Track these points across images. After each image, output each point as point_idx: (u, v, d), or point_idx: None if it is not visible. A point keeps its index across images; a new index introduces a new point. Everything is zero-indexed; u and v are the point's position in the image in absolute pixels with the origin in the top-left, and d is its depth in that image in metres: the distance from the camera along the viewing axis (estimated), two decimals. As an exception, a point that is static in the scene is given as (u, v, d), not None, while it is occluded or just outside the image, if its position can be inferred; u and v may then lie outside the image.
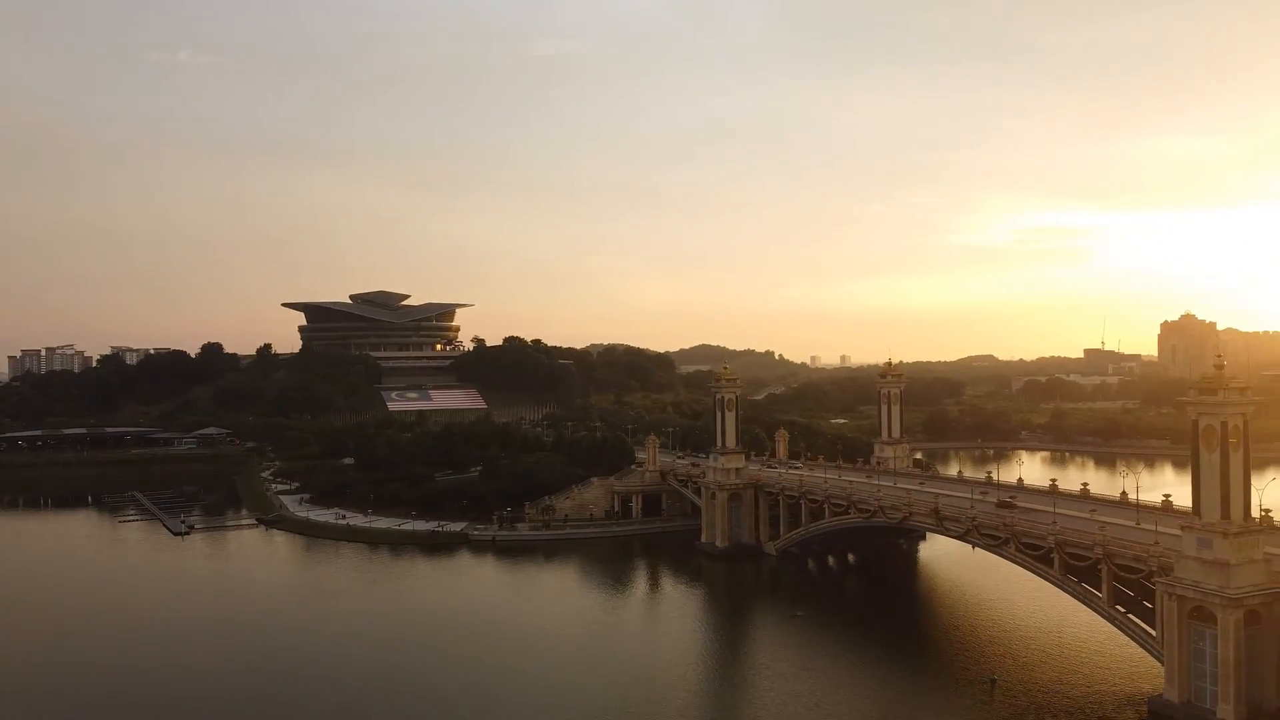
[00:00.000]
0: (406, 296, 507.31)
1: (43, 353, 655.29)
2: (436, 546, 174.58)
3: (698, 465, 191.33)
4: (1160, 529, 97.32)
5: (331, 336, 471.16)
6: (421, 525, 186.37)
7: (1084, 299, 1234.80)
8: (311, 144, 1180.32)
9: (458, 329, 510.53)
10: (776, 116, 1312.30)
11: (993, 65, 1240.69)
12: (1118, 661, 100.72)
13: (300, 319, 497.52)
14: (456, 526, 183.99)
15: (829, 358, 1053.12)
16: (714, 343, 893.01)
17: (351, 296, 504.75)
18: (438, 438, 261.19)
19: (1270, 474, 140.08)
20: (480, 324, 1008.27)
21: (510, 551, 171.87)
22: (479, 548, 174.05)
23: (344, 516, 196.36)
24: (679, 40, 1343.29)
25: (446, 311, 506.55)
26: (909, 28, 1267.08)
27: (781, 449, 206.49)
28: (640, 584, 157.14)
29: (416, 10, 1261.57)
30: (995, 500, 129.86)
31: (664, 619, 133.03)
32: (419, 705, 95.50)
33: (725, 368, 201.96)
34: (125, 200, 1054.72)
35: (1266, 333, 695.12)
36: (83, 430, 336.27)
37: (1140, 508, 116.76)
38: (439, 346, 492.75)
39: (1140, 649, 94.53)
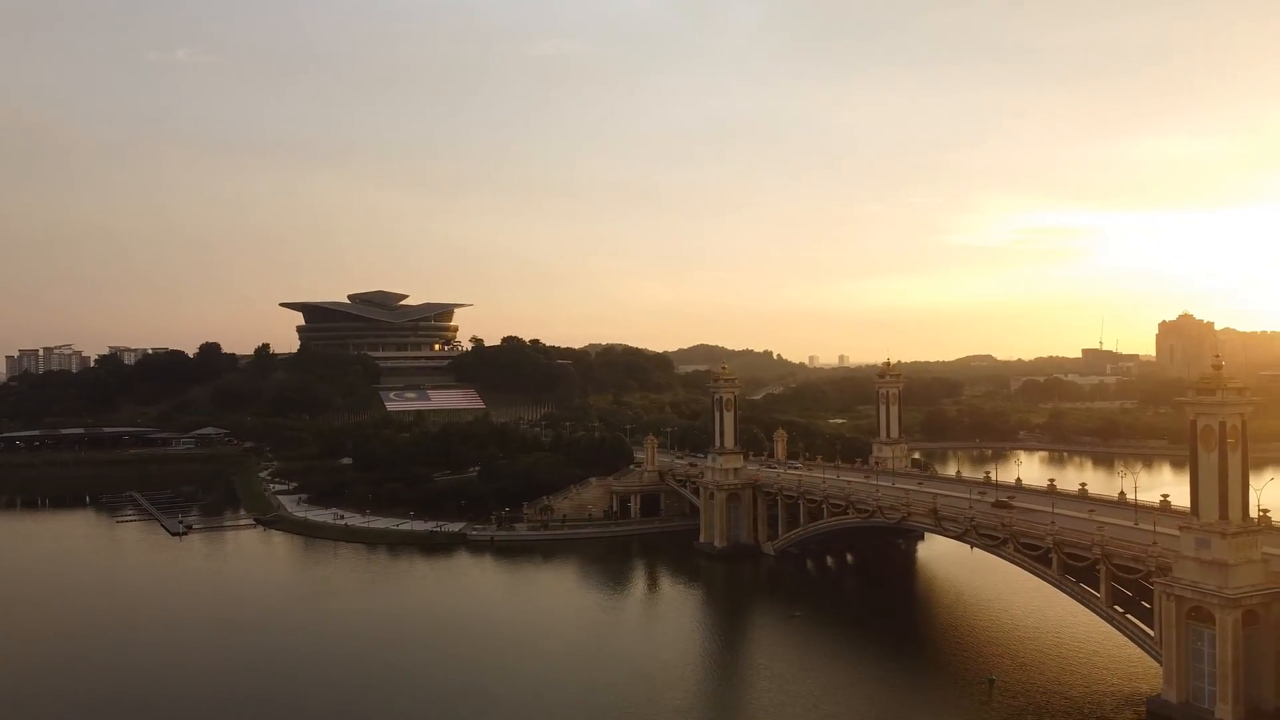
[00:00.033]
0: (405, 296, 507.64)
1: (40, 352, 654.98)
2: (435, 547, 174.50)
3: (695, 465, 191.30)
4: (1158, 529, 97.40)
5: (330, 336, 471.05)
6: (420, 525, 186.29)
7: (1082, 299, 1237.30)
8: (310, 144, 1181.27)
9: (456, 329, 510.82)
10: (775, 116, 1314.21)
11: (992, 65, 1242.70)
12: (1116, 662, 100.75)
13: (298, 319, 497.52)
14: (455, 527, 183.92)
15: (827, 357, 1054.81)
16: (712, 343, 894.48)
17: (350, 296, 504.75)
18: (436, 438, 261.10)
19: (1268, 474, 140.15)
20: (478, 324, 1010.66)
21: (508, 552, 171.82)
22: (477, 548, 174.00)
23: (342, 517, 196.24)
24: (678, 40, 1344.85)
25: (445, 311, 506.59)
26: (908, 28, 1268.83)
27: (780, 449, 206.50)
28: (638, 584, 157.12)
29: (415, 10, 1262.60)
30: (992, 500, 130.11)
31: (662, 619, 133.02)
32: (417, 705, 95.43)
33: (724, 368, 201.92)
34: (124, 200, 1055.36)
35: (1264, 333, 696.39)
36: (80, 430, 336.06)
37: (1138, 508, 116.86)
38: (437, 346, 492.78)
39: (1138, 649, 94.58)
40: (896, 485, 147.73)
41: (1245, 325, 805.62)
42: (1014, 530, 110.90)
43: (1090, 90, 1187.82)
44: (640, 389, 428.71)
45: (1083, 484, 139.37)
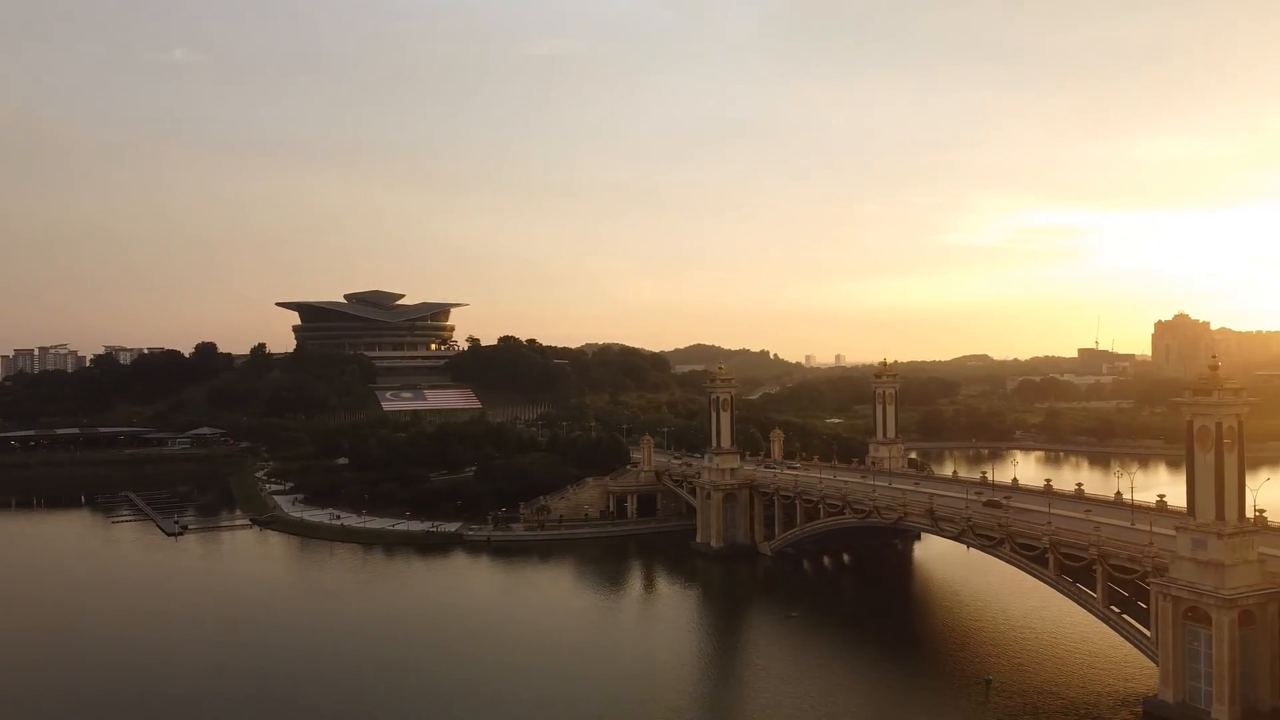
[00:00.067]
0: (401, 296, 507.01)
1: (36, 352, 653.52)
2: (431, 547, 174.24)
3: (690, 465, 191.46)
4: (1155, 529, 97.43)
5: (326, 336, 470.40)
6: (416, 526, 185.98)
7: (1079, 299, 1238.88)
8: (307, 144, 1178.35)
9: (452, 328, 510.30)
10: (773, 116, 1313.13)
11: (990, 65, 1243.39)
12: (1112, 662, 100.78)
13: (294, 318, 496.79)
14: (451, 527, 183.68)
15: (824, 357, 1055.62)
16: (709, 342, 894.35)
17: (346, 296, 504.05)
18: (432, 438, 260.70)
19: (1264, 474, 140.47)
20: (475, 323, 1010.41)
21: (505, 552, 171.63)
22: (473, 548, 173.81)
23: (338, 517, 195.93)
24: (675, 40, 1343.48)
25: (441, 311, 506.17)
26: (907, 28, 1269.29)
27: (777, 449, 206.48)
28: (635, 584, 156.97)
29: (410, 9, 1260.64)
30: (984, 499, 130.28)
31: (659, 619, 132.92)
32: (413, 706, 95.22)
33: (720, 368, 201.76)
34: (120, 200, 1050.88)
35: (1260, 332, 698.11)
36: (76, 430, 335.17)
37: (1135, 508, 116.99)
38: (434, 346, 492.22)
39: (1135, 649, 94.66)
40: (893, 485, 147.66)
41: (1241, 325, 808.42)
42: (1010, 530, 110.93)
43: (1088, 90, 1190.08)
44: (637, 389, 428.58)
45: (1079, 484, 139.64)
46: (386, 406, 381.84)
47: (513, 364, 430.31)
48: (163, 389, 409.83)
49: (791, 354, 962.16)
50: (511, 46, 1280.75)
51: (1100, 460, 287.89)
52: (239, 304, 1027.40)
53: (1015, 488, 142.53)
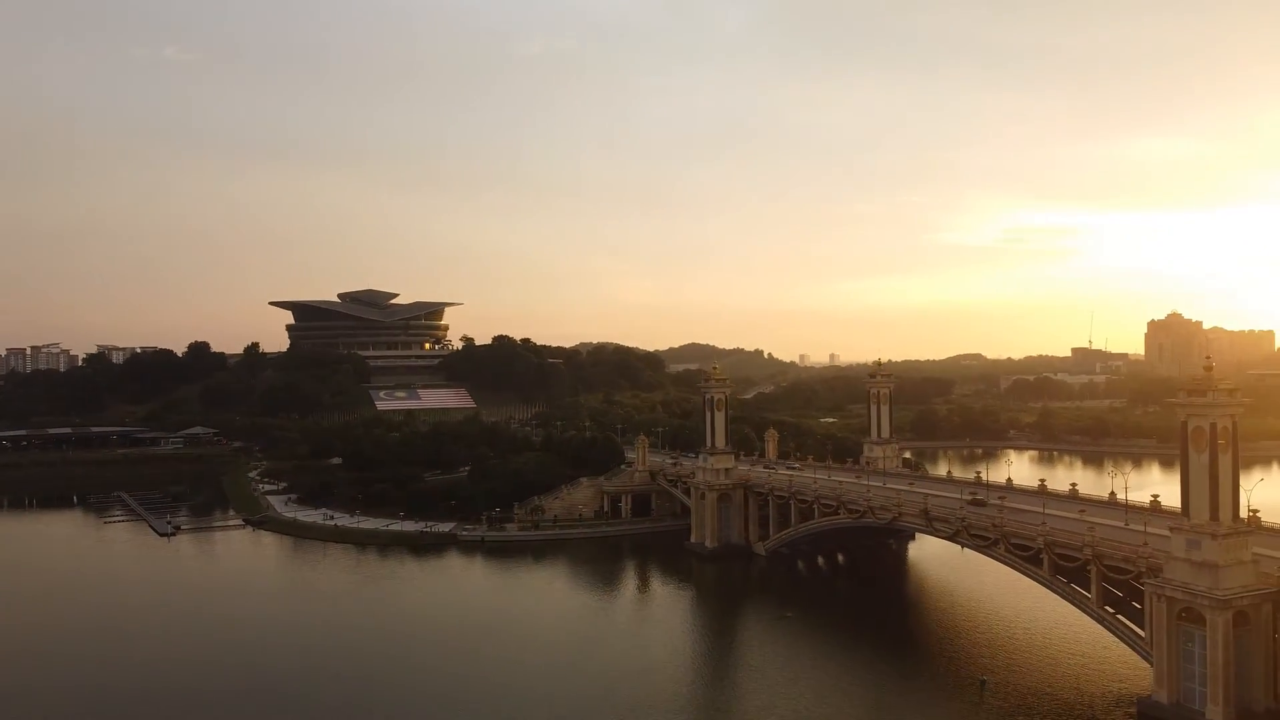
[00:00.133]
0: (395, 295, 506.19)
1: (28, 351, 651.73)
2: (424, 547, 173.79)
3: (682, 465, 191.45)
4: (1149, 530, 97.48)
5: (319, 335, 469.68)
6: (409, 526, 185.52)
7: (1072, 298, 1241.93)
8: (302, 143, 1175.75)
9: (446, 328, 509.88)
10: (769, 116, 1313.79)
11: (985, 66, 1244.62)
12: (1107, 663, 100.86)
13: (288, 317, 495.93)
14: (445, 527, 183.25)
15: (818, 356, 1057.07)
16: (703, 341, 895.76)
17: (340, 295, 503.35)
18: (426, 437, 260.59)
19: (1257, 474, 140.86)
20: (469, 323, 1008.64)
21: (499, 552, 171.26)
22: (467, 548, 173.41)
23: (331, 517, 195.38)
24: (673, 40, 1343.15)
25: (435, 310, 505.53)
26: (904, 28, 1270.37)
27: (771, 449, 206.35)
28: (629, 585, 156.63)
29: (407, 9, 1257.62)
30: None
31: (653, 620, 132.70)
32: (410, 705, 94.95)
33: (715, 367, 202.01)
34: (114, 198, 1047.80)
35: (1252, 331, 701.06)
36: (68, 430, 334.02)
37: (1129, 508, 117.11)
38: (427, 345, 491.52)
39: (1129, 650, 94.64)
40: (888, 485, 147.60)
41: (1234, 324, 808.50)
42: (1005, 531, 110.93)
43: (1084, 91, 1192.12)
44: (631, 388, 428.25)
45: (1073, 484, 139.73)
46: (380, 406, 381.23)
47: (507, 363, 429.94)
48: (155, 388, 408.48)
49: (786, 353, 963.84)
50: (507, 46, 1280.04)
51: (1094, 460, 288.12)
52: (232, 303, 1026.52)
53: (1010, 488, 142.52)
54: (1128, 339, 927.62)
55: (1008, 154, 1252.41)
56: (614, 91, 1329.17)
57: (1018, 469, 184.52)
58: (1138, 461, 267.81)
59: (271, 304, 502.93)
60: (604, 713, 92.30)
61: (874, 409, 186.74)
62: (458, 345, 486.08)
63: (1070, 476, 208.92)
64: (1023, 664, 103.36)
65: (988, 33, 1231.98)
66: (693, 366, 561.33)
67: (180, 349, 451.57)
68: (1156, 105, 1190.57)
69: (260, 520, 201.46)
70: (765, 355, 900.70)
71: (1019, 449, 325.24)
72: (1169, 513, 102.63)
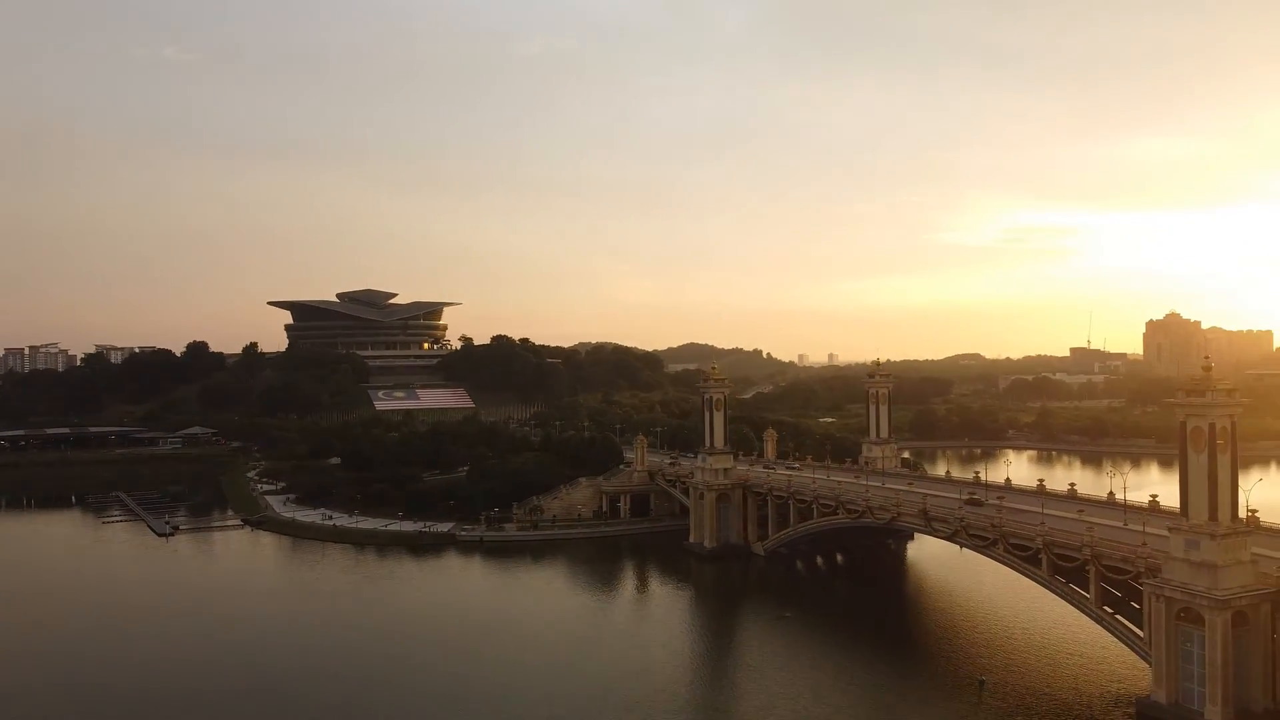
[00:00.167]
0: (394, 295, 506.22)
1: (26, 351, 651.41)
2: (423, 547, 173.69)
3: (677, 464, 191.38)
4: (1148, 530, 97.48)
5: (318, 335, 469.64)
6: (408, 526, 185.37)
7: (1071, 298, 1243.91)
8: (302, 143, 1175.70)
9: (445, 328, 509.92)
10: (769, 116, 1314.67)
11: (984, 66, 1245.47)
12: (1105, 663, 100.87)
13: (286, 317, 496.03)
14: (443, 527, 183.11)
15: (817, 356, 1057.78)
16: (702, 341, 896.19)
17: (338, 295, 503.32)
18: (425, 437, 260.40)
19: (1255, 474, 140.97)
20: (468, 323, 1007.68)
21: (497, 552, 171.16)
22: (466, 548, 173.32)
23: (330, 517, 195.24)
24: (673, 40, 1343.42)
25: (434, 310, 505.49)
26: (903, 29, 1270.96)
27: (770, 449, 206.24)
28: (628, 585, 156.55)
29: (403, 9, 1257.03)
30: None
31: (652, 620, 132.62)
32: (407, 705, 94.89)
33: (714, 367, 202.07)
34: (112, 198, 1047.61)
35: (1251, 331, 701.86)
36: (66, 430, 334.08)
37: (1127, 508, 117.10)
38: (426, 345, 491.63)
39: (1128, 650, 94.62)
40: (886, 485, 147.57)
41: (1232, 324, 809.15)
42: (1004, 531, 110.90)
43: (1084, 91, 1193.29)
44: (630, 388, 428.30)
45: (1072, 484, 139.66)
46: (379, 406, 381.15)
47: (506, 363, 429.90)
48: (154, 388, 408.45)
49: (785, 353, 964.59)
50: (507, 46, 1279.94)
51: (1092, 459, 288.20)
52: (231, 303, 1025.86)
53: (1008, 488, 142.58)
54: (1126, 339, 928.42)
55: (1008, 154, 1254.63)
56: (614, 91, 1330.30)
57: (1016, 469, 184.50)
58: (1136, 461, 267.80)
59: (270, 304, 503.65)
60: (603, 713, 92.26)
61: (872, 409, 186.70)
62: (456, 345, 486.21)
63: (1069, 476, 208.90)
64: (1021, 664, 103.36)
65: (988, 33, 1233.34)
66: (691, 366, 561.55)
67: (179, 349, 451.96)
68: (1156, 105, 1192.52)
69: (259, 520, 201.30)
70: (764, 355, 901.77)
71: (1018, 449, 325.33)
72: (1168, 513, 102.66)
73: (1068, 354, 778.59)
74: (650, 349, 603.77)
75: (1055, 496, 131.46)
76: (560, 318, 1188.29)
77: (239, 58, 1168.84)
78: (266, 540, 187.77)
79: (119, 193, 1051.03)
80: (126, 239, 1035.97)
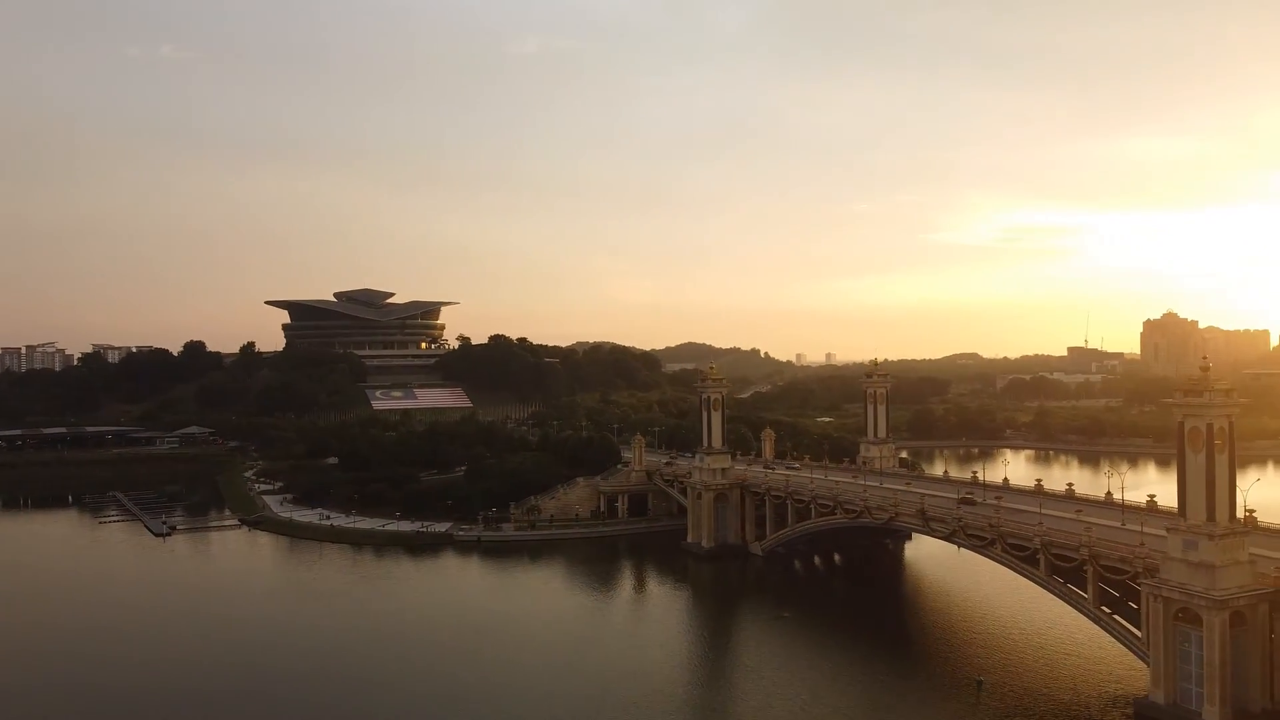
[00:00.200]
0: (391, 294, 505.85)
1: (23, 350, 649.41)
2: (421, 547, 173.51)
3: (675, 464, 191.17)
4: (1146, 529, 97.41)
5: (315, 335, 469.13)
6: (406, 526, 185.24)
7: (1068, 297, 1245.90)
8: (300, 143, 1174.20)
9: (443, 327, 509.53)
10: (767, 116, 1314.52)
11: (981, 66, 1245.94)
12: (1103, 663, 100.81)
13: (284, 317, 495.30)
14: (441, 527, 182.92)
15: (814, 355, 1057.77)
16: (700, 340, 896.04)
17: (336, 294, 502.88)
18: (422, 437, 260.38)
19: (1252, 473, 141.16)
20: (466, 322, 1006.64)
21: (495, 552, 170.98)
22: (464, 548, 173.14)
23: (328, 517, 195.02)
24: (671, 40, 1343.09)
25: (431, 310, 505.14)
26: (901, 28, 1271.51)
27: (768, 448, 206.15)
28: (626, 585, 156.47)
29: (402, 8, 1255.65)
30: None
31: (649, 620, 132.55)
32: (405, 708, 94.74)
33: (711, 367, 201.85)
34: (109, 197, 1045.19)
35: (1247, 330, 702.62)
36: (63, 429, 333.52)
37: (1125, 508, 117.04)
38: (424, 345, 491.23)
39: (1126, 650, 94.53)
40: (884, 485, 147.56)
41: (1229, 324, 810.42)
42: (1001, 531, 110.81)
43: (1081, 90, 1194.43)
44: (628, 387, 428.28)
45: (1069, 484, 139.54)
46: (376, 405, 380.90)
47: (503, 363, 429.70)
48: (151, 388, 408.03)
49: (782, 352, 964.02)
50: (506, 46, 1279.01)
51: (1090, 459, 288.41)
52: (228, 302, 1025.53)
53: (1006, 487, 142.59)
54: (1124, 338, 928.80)
55: (1006, 153, 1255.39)
56: (613, 91, 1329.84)
57: (1014, 468, 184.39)
58: (1134, 461, 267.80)
59: (267, 303, 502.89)
60: (600, 713, 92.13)
61: (870, 409, 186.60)
62: (454, 345, 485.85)
63: (1066, 476, 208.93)
64: (1019, 664, 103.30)
65: (987, 33, 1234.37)
66: (689, 366, 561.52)
67: (176, 348, 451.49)
68: (1154, 105, 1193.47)
69: (256, 520, 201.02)
70: (762, 355, 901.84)
71: (1015, 448, 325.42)
72: (1165, 513, 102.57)
73: (1065, 353, 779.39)
74: (648, 348, 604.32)
75: (1053, 496, 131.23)
76: (558, 317, 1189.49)
77: (236, 57, 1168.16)
78: (264, 540, 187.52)
79: (115, 192, 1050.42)
80: (123, 238, 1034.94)
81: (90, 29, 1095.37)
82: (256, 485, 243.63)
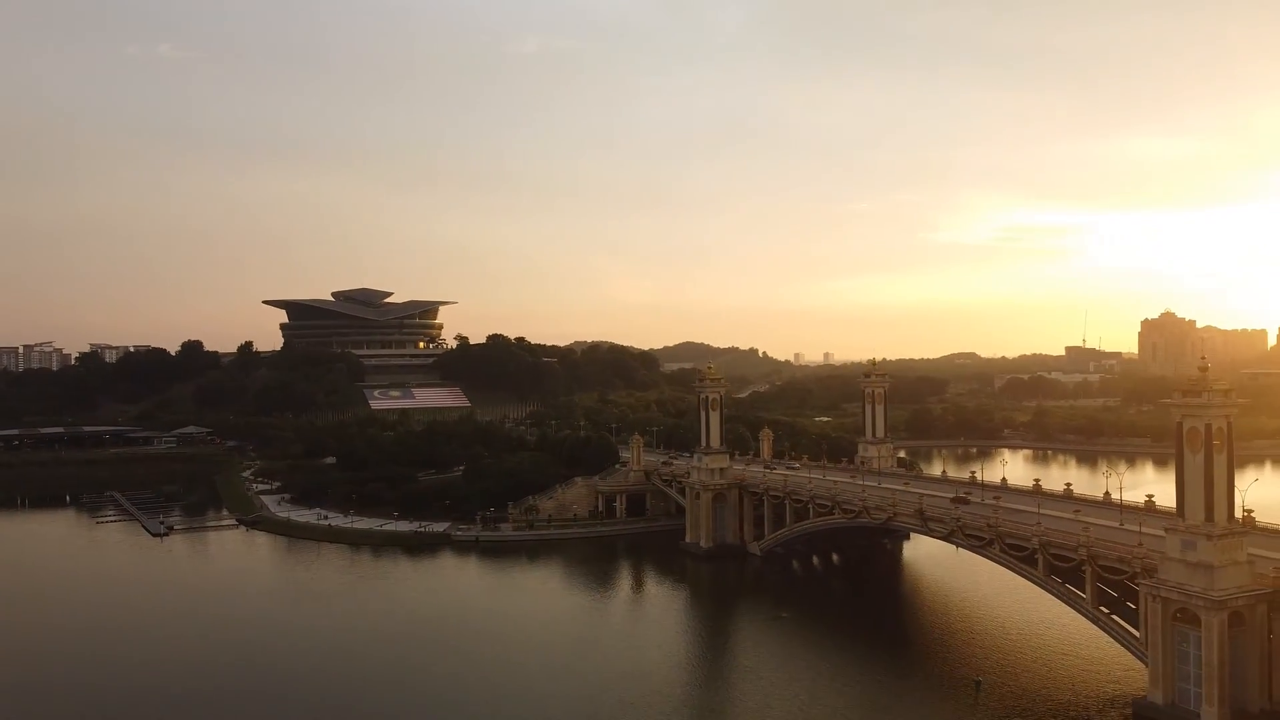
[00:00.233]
0: (389, 294, 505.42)
1: (20, 350, 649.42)
2: (419, 547, 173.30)
3: (673, 464, 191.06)
4: (1144, 530, 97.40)
5: (313, 334, 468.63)
6: (404, 526, 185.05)
7: (1066, 297, 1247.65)
8: (299, 142, 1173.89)
9: (441, 326, 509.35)
10: (765, 116, 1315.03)
11: (980, 66, 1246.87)
12: (1102, 663, 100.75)
13: (282, 316, 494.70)
14: (439, 527, 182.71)
15: (812, 355, 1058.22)
16: (698, 340, 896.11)
17: (334, 294, 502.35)
18: (420, 437, 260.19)
19: (1251, 473, 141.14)
20: (465, 322, 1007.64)
21: (493, 552, 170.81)
22: (462, 548, 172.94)
23: (325, 517, 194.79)
24: (670, 40, 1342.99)
25: (429, 309, 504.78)
26: (898, 28, 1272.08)
27: (766, 448, 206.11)
28: (624, 585, 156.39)
29: (401, 8, 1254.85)
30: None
31: (647, 620, 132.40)
32: (403, 708, 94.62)
33: (709, 367, 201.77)
34: (107, 197, 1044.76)
35: (1244, 330, 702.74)
36: (60, 429, 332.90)
37: (1124, 508, 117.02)
38: (422, 344, 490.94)
39: (1124, 650, 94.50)
40: (882, 485, 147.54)
41: (1227, 323, 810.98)
42: (1000, 531, 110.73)
43: (1080, 90, 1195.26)
44: (626, 387, 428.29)
45: (1068, 484, 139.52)
46: (374, 405, 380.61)
47: (501, 362, 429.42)
48: (149, 387, 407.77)
49: (780, 352, 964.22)
50: (505, 46, 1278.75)
51: (1088, 459, 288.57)
52: (226, 302, 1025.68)
53: (1004, 487, 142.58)
54: (1122, 338, 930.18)
55: (1005, 153, 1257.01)
56: (612, 91, 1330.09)
57: (1012, 468, 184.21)
58: (1132, 461, 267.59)
59: (265, 303, 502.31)
60: (598, 714, 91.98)
61: (869, 408, 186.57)
62: (452, 344, 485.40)
63: (1065, 476, 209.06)
64: (1018, 664, 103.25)
65: (987, 33, 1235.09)
66: (687, 365, 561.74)
67: (173, 348, 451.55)
68: (1153, 104, 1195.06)
69: (254, 520, 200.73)
70: (760, 354, 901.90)
71: (1013, 448, 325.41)
72: (1164, 513, 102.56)
73: (1063, 353, 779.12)
74: (646, 348, 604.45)
75: (1051, 496, 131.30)
76: (557, 317, 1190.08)
77: (235, 57, 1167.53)
78: (261, 540, 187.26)
79: (114, 192, 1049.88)
80: (122, 238, 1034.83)
81: (90, 28, 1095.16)
82: (254, 485, 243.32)
